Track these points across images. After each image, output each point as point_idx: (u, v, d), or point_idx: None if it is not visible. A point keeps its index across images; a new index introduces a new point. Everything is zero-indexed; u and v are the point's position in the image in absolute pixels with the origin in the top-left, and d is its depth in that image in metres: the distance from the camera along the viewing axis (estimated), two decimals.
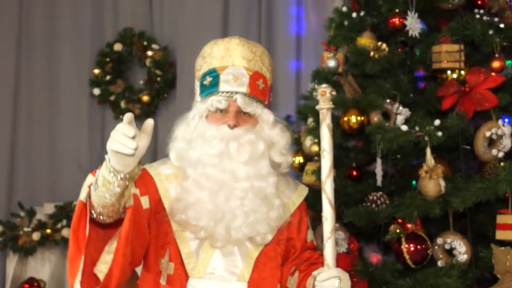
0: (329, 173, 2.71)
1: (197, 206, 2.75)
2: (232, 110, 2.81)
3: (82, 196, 2.55)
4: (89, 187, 2.52)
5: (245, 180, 2.76)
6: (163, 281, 2.83)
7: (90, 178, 2.57)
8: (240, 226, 2.75)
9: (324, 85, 2.75)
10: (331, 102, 2.74)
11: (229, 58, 2.86)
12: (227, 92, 2.81)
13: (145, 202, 2.71)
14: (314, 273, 2.74)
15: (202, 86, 2.89)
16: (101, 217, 2.53)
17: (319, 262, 2.89)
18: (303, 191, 3.07)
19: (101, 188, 2.43)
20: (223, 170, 2.76)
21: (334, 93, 2.74)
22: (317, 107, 2.74)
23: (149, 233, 2.77)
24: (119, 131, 2.30)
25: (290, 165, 3.00)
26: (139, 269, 2.95)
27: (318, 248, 3.15)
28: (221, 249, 2.82)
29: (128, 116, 2.33)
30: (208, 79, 2.86)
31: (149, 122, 2.40)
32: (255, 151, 2.80)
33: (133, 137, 2.29)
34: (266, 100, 2.93)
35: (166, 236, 2.84)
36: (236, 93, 2.81)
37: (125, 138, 2.29)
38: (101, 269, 2.59)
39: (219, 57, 2.87)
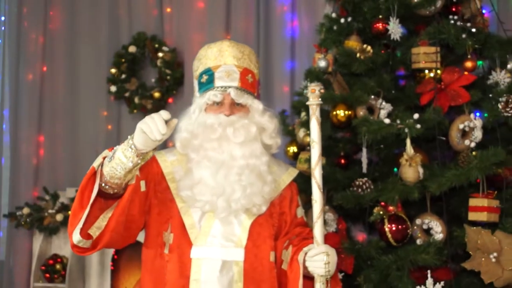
0: (318, 161, 2.78)
1: (201, 184, 2.84)
2: (226, 102, 2.92)
3: (96, 164, 2.68)
4: (103, 158, 2.66)
5: (241, 159, 2.86)
6: (166, 251, 2.90)
7: (106, 152, 2.70)
8: (239, 198, 2.84)
9: (314, 84, 2.82)
10: (319, 99, 2.76)
11: (221, 58, 2.96)
12: (221, 87, 2.92)
13: (142, 185, 2.80)
14: (305, 249, 2.80)
15: (200, 83, 2.99)
16: (105, 185, 2.66)
17: (309, 237, 2.94)
18: (293, 172, 3.15)
19: (115, 160, 2.59)
20: (222, 152, 2.86)
21: (322, 90, 2.79)
22: (308, 103, 2.80)
23: (145, 212, 2.90)
24: (154, 120, 2.52)
25: (279, 146, 3.08)
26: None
27: (308, 226, 3.17)
28: (221, 219, 2.88)
29: (168, 115, 2.56)
30: (205, 77, 2.96)
31: (175, 121, 2.60)
32: (248, 133, 2.89)
33: (163, 134, 2.52)
34: (255, 92, 3.03)
35: (169, 212, 2.92)
36: (229, 87, 2.92)
37: (156, 128, 2.50)
38: (94, 232, 2.72)
39: (212, 58, 2.97)
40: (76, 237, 2.67)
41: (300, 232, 3.04)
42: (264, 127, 2.97)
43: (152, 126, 2.50)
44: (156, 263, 2.92)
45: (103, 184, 2.66)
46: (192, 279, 2.84)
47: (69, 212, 6.08)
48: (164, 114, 2.54)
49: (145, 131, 2.52)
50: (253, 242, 2.90)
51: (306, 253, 2.78)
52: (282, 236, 3.03)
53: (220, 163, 2.84)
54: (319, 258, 2.72)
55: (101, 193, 2.68)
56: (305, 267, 2.79)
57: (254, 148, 2.90)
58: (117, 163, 2.59)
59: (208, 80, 2.95)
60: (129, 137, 2.60)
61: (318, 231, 2.76)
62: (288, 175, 3.11)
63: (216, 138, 2.86)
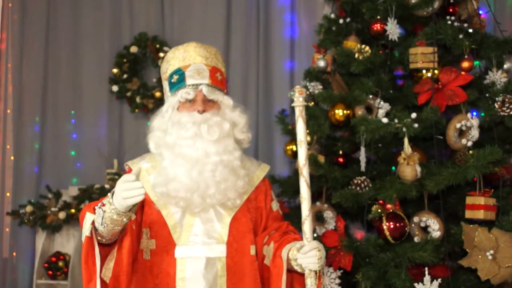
0: (306, 159, 2.80)
1: (176, 181, 2.87)
2: (199, 99, 2.96)
3: (87, 232, 2.72)
4: (92, 224, 2.70)
5: (215, 155, 2.90)
6: (147, 256, 2.95)
7: (89, 216, 2.73)
8: (214, 194, 2.89)
9: (298, 86, 2.83)
10: (305, 100, 2.80)
11: (190, 58, 3.02)
12: (193, 85, 2.97)
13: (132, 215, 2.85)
14: (297, 246, 2.83)
15: (171, 84, 3.04)
16: (104, 240, 2.74)
17: (289, 230, 3.05)
18: (265, 168, 3.20)
19: (110, 225, 2.65)
20: (197, 149, 2.89)
21: (308, 92, 2.84)
22: (293, 104, 2.81)
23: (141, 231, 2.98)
24: (126, 185, 2.57)
25: (250, 141, 3.13)
26: None
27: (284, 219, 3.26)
28: (201, 216, 2.93)
29: (133, 176, 2.59)
30: (175, 77, 3.01)
31: (140, 168, 2.67)
32: (222, 130, 2.94)
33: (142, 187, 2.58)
34: (224, 89, 3.09)
35: (147, 218, 2.97)
36: (201, 84, 2.96)
37: (134, 191, 2.56)
38: (107, 274, 2.78)
39: (181, 59, 3.03)
40: None
41: (278, 226, 3.09)
42: (235, 122, 3.03)
43: (131, 193, 2.56)
44: (138, 269, 2.96)
45: (102, 240, 2.75)
46: (178, 278, 2.88)
47: (72, 211, 6.16)
48: (130, 177, 2.58)
49: (127, 197, 2.56)
50: (233, 237, 2.95)
51: (289, 250, 2.84)
52: (260, 232, 3.09)
53: (194, 160, 2.88)
54: (312, 254, 2.76)
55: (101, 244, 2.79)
56: (288, 263, 2.85)
57: (227, 144, 2.95)
58: (112, 226, 2.65)
59: (179, 80, 3.00)
60: (107, 201, 2.65)
61: (307, 228, 2.80)
62: (261, 170, 3.16)
63: (190, 136, 2.90)
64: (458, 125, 3.97)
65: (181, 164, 2.88)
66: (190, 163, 2.88)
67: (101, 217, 2.66)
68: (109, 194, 2.66)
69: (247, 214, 3.03)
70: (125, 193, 2.55)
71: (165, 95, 3.12)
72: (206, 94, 2.95)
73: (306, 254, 2.77)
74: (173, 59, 3.06)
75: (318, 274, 2.79)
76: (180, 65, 3.02)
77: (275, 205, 3.18)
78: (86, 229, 2.72)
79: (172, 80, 3.03)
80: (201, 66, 3.00)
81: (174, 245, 2.91)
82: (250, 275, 2.97)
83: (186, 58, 3.03)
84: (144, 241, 2.95)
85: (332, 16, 4.67)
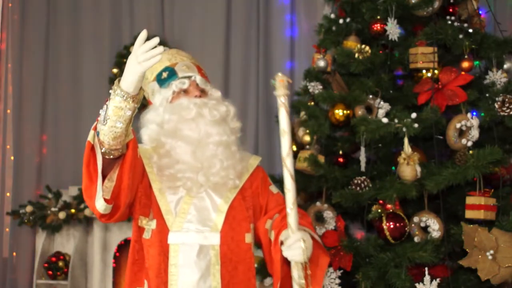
0: (289, 150, 2.78)
1: (180, 163, 2.91)
2: (192, 88, 3.02)
3: (90, 137, 2.71)
4: (94, 129, 2.68)
5: (216, 135, 2.95)
6: (147, 236, 2.93)
7: (93, 125, 2.70)
8: (218, 171, 2.93)
9: (280, 74, 2.72)
10: (287, 90, 2.73)
11: (176, 58, 3.12)
12: (186, 76, 3.03)
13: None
14: (282, 238, 2.80)
15: (160, 80, 3.08)
16: (109, 151, 2.68)
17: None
18: (258, 158, 3.22)
19: (112, 118, 2.59)
20: (199, 131, 2.93)
21: (290, 81, 2.76)
22: (275, 93, 2.73)
23: (141, 175, 2.94)
24: (143, 47, 2.47)
25: (240, 129, 3.12)
26: None
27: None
28: (195, 205, 2.94)
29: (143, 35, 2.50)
30: (165, 74, 3.07)
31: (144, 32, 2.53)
32: (220, 112, 2.99)
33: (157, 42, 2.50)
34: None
35: (149, 198, 2.96)
36: (193, 75, 3.05)
37: (151, 52, 2.47)
38: (105, 194, 2.74)
39: (167, 59, 3.11)
40: (100, 204, 2.72)
41: (281, 210, 3.02)
42: (227, 111, 3.06)
43: (149, 53, 2.47)
44: (136, 247, 2.96)
45: (107, 151, 2.68)
46: (171, 264, 2.88)
47: (72, 211, 6.15)
48: (143, 35, 2.49)
49: (146, 58, 2.48)
50: (229, 225, 2.95)
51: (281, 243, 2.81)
52: (262, 216, 3.08)
53: (196, 141, 2.92)
54: (296, 246, 2.72)
55: (104, 162, 2.72)
56: None
57: (225, 128, 3.00)
58: (114, 120, 2.59)
59: (169, 75, 3.05)
60: (112, 92, 2.59)
61: (292, 219, 2.75)
62: (254, 159, 3.19)
63: (191, 118, 2.94)
64: (458, 125, 3.97)
65: (183, 147, 2.92)
66: (193, 144, 2.92)
67: (104, 112, 2.62)
68: (114, 83, 2.61)
69: (242, 203, 3.03)
70: (142, 56, 2.49)
71: (152, 96, 3.14)
72: (199, 83, 3.02)
73: (290, 246, 2.73)
74: (159, 62, 3.05)
75: (304, 266, 2.76)
76: (168, 64, 3.09)
77: (274, 189, 3.18)
78: (90, 135, 2.72)
79: (162, 77, 3.07)
80: (188, 63, 3.09)
81: (168, 231, 2.90)
82: (245, 263, 2.97)
83: (172, 59, 3.11)
84: (147, 220, 2.94)
85: (332, 16, 4.67)
